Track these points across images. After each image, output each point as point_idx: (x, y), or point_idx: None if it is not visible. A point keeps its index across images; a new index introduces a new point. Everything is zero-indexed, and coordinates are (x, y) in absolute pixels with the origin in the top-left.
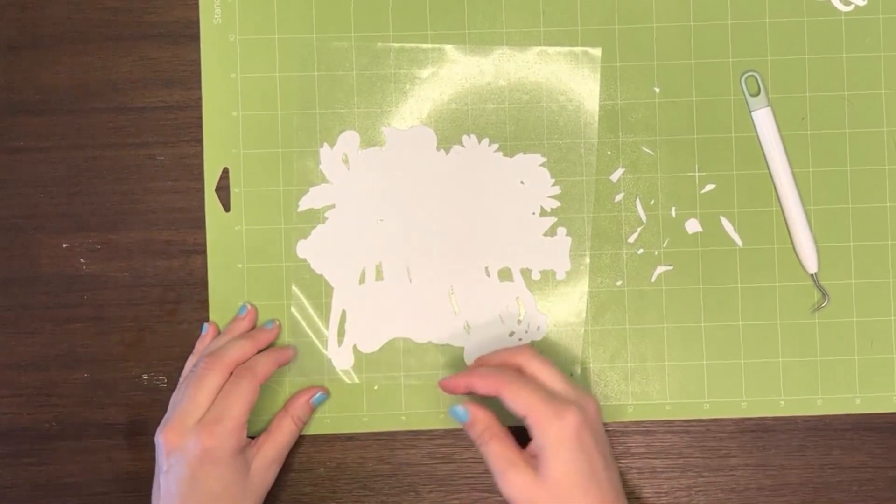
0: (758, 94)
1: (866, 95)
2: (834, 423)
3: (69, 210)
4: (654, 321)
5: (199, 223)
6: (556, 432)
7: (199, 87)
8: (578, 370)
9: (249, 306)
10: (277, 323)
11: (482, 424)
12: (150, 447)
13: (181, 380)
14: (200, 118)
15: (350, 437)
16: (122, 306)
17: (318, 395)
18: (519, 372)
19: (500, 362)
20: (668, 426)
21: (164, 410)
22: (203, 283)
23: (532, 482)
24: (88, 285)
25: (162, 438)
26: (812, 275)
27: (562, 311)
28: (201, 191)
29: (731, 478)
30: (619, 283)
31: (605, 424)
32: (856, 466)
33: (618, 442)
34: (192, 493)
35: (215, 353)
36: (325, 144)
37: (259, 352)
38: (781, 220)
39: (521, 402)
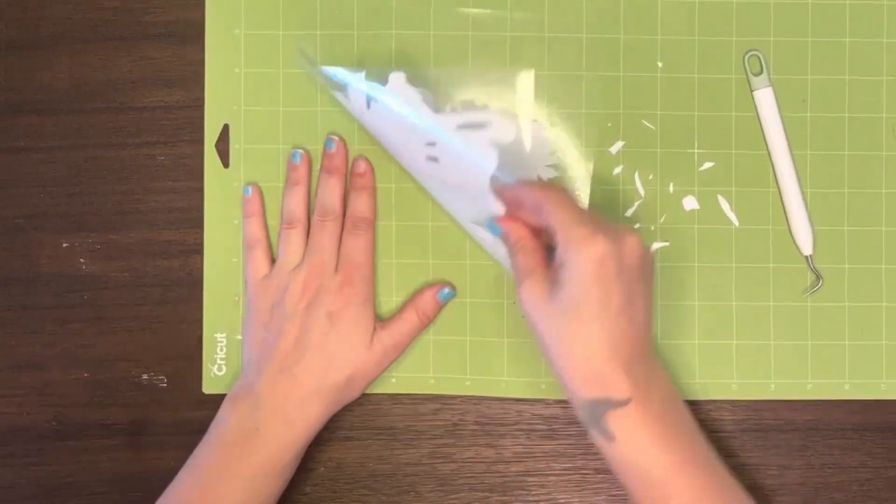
0: (760, 73)
1: (867, 81)
2: (834, 423)
3: (69, 210)
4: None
5: (198, 223)
6: (579, 256)
7: (200, 88)
8: None
9: (302, 151)
10: (336, 138)
11: (515, 235)
12: (151, 447)
13: (245, 251)
14: (201, 118)
15: (350, 437)
16: (122, 306)
17: (444, 290)
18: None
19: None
20: None
21: (165, 410)
22: (202, 284)
23: (543, 295)
24: (88, 285)
25: (301, 286)
26: (807, 257)
27: None
28: (201, 191)
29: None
30: None
31: None
32: (856, 466)
33: None
34: (327, 339)
35: (322, 205)
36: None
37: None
38: (778, 201)
39: (557, 216)
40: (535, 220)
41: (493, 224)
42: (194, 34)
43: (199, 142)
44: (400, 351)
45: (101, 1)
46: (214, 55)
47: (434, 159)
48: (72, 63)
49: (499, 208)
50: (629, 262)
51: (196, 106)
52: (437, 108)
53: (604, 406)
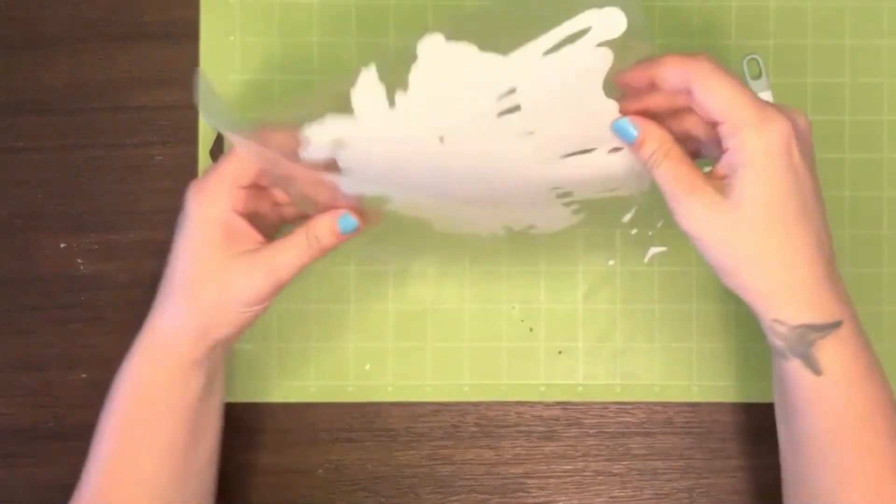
0: (759, 77)
1: (868, 83)
2: None
3: (68, 210)
4: (644, 302)
5: None
6: (762, 143)
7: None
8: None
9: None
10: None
11: (655, 141)
12: None
13: None
14: (199, 119)
15: (349, 439)
16: (121, 306)
17: (345, 217)
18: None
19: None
20: (670, 427)
21: None
22: None
23: (721, 209)
24: (87, 286)
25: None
26: None
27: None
28: None
29: (732, 479)
30: (611, 262)
31: (591, 405)
32: None
33: (618, 443)
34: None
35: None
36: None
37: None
38: None
39: (717, 97)
40: (673, 115)
41: (623, 123)
42: (193, 34)
43: (198, 142)
44: (276, 284)
45: (100, 1)
46: (209, 62)
47: (512, 110)
48: (71, 63)
49: (609, 127)
50: (808, 142)
51: (195, 106)
52: (504, 51)
53: (816, 332)
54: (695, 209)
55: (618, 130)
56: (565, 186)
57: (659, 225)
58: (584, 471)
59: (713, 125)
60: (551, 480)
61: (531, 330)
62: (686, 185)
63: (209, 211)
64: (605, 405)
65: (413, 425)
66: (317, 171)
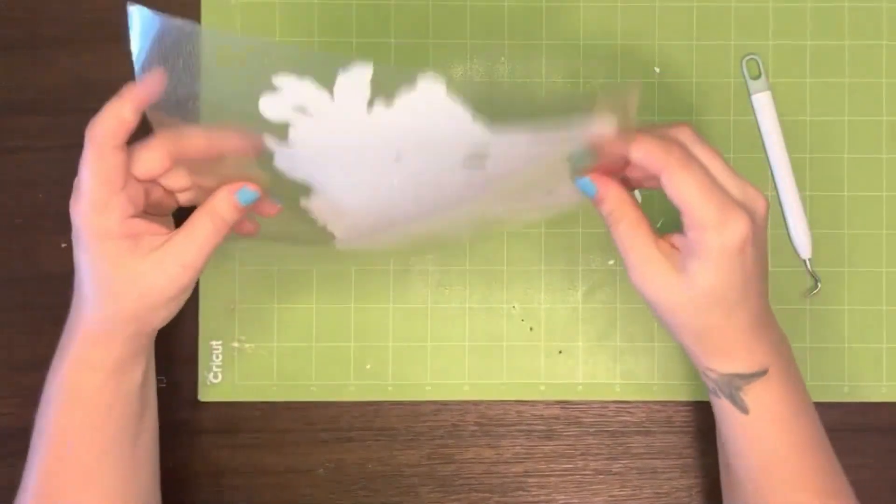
0: (758, 77)
1: (867, 84)
2: (835, 425)
3: (68, 210)
4: (644, 302)
5: None
6: (718, 243)
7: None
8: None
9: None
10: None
11: (614, 201)
12: None
13: None
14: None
15: (349, 438)
16: None
17: (243, 189)
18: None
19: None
20: (669, 426)
21: (163, 410)
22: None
23: (675, 286)
24: None
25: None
26: (804, 260)
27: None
28: None
29: None
30: (611, 262)
31: (590, 403)
32: (856, 468)
33: (617, 442)
34: (76, 275)
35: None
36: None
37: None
38: (777, 204)
39: (685, 191)
40: (638, 180)
41: (584, 180)
42: None
43: None
44: (192, 270)
45: (100, 1)
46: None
47: (477, 165)
48: (71, 63)
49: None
50: (762, 234)
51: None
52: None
53: (742, 379)
54: (654, 281)
55: (580, 187)
56: (502, 217)
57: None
58: (583, 469)
59: (680, 212)
60: (551, 479)
61: (531, 329)
62: (641, 254)
63: (100, 224)
64: (604, 404)
65: (413, 424)
66: (255, 136)
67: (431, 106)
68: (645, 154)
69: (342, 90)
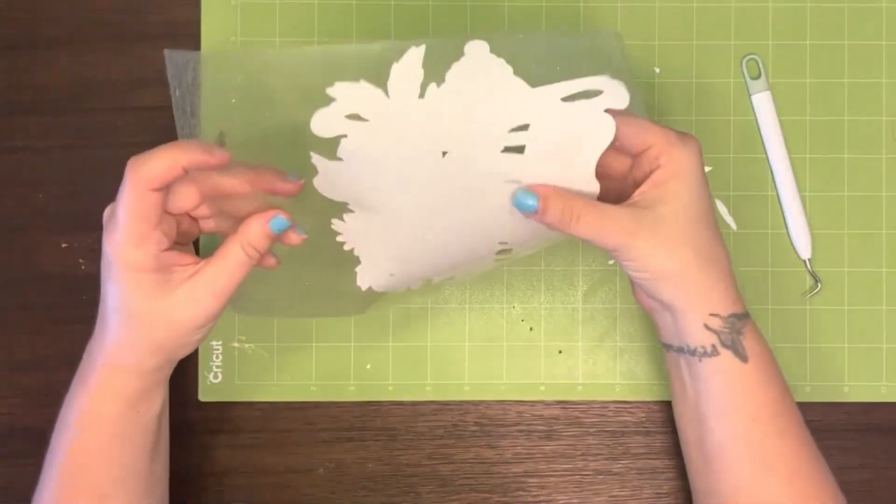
0: (758, 77)
1: (866, 84)
2: (835, 424)
3: (68, 210)
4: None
5: None
6: (686, 155)
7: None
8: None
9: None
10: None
11: (559, 202)
12: None
13: None
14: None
15: (349, 438)
16: None
17: (276, 218)
18: None
19: None
20: (669, 426)
21: None
22: None
23: (656, 222)
24: (88, 285)
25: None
26: (805, 260)
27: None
28: None
29: None
30: (611, 262)
31: (590, 403)
32: (856, 467)
33: (617, 442)
34: (102, 304)
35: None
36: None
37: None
38: (776, 204)
39: (642, 128)
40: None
41: (520, 196)
42: (193, 34)
43: None
44: (224, 297)
45: (100, 1)
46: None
47: (517, 149)
48: (71, 63)
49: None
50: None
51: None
52: (533, 83)
53: (740, 320)
54: (629, 233)
55: (518, 204)
56: (512, 243)
57: None
58: (583, 470)
59: (643, 148)
60: (551, 479)
61: (531, 330)
62: (611, 221)
63: (135, 258)
64: (604, 404)
65: (413, 424)
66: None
67: (480, 66)
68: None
69: (396, 83)
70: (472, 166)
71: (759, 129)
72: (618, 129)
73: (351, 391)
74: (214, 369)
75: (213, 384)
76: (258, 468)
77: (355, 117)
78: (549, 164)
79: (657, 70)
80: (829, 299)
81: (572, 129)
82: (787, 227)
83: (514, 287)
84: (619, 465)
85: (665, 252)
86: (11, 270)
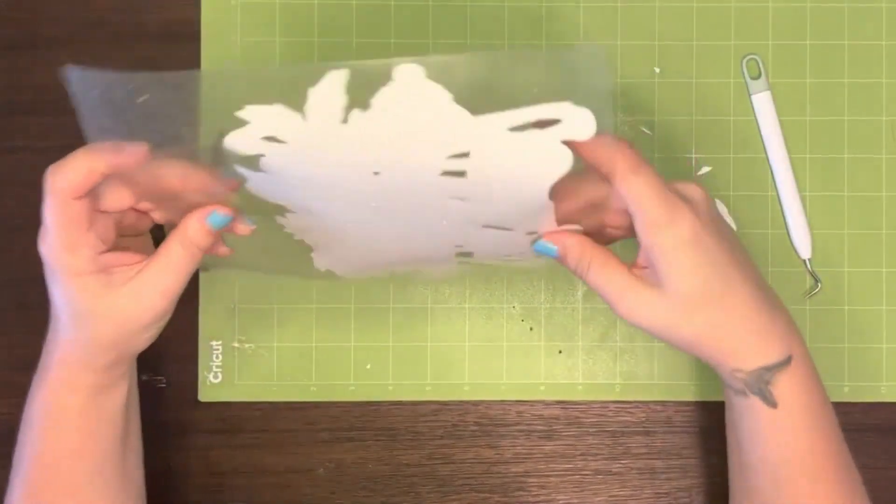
0: (758, 77)
1: (866, 84)
2: None
3: None
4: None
5: None
6: (672, 242)
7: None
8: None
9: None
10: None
11: (577, 250)
12: (150, 447)
13: None
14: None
15: (349, 438)
16: None
17: (213, 214)
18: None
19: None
20: (669, 426)
21: (164, 410)
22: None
23: (659, 302)
24: None
25: None
26: (804, 260)
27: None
28: None
29: None
30: None
31: (590, 403)
32: (857, 468)
33: (617, 442)
34: (52, 303)
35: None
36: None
37: None
38: (776, 204)
39: (635, 193)
40: (592, 209)
41: (542, 243)
42: (193, 34)
43: (198, 143)
44: (169, 298)
45: (100, 1)
46: (209, 62)
47: (457, 174)
48: (71, 63)
49: (549, 223)
50: (710, 212)
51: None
52: (474, 110)
53: (770, 370)
54: (637, 306)
55: (539, 249)
56: (471, 249)
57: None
58: (583, 469)
59: (631, 214)
60: (551, 479)
61: (531, 329)
62: (618, 288)
63: (72, 263)
64: (604, 404)
65: (413, 424)
66: (216, 172)
67: (410, 92)
68: (601, 149)
69: (314, 108)
70: (410, 185)
71: (759, 129)
72: (614, 176)
73: (351, 391)
74: (214, 369)
75: (213, 384)
76: (258, 468)
77: (272, 139)
78: (495, 190)
79: (657, 70)
80: (829, 299)
81: (519, 158)
82: (787, 227)
83: (515, 287)
84: (618, 465)
85: (674, 327)
86: (11, 270)
